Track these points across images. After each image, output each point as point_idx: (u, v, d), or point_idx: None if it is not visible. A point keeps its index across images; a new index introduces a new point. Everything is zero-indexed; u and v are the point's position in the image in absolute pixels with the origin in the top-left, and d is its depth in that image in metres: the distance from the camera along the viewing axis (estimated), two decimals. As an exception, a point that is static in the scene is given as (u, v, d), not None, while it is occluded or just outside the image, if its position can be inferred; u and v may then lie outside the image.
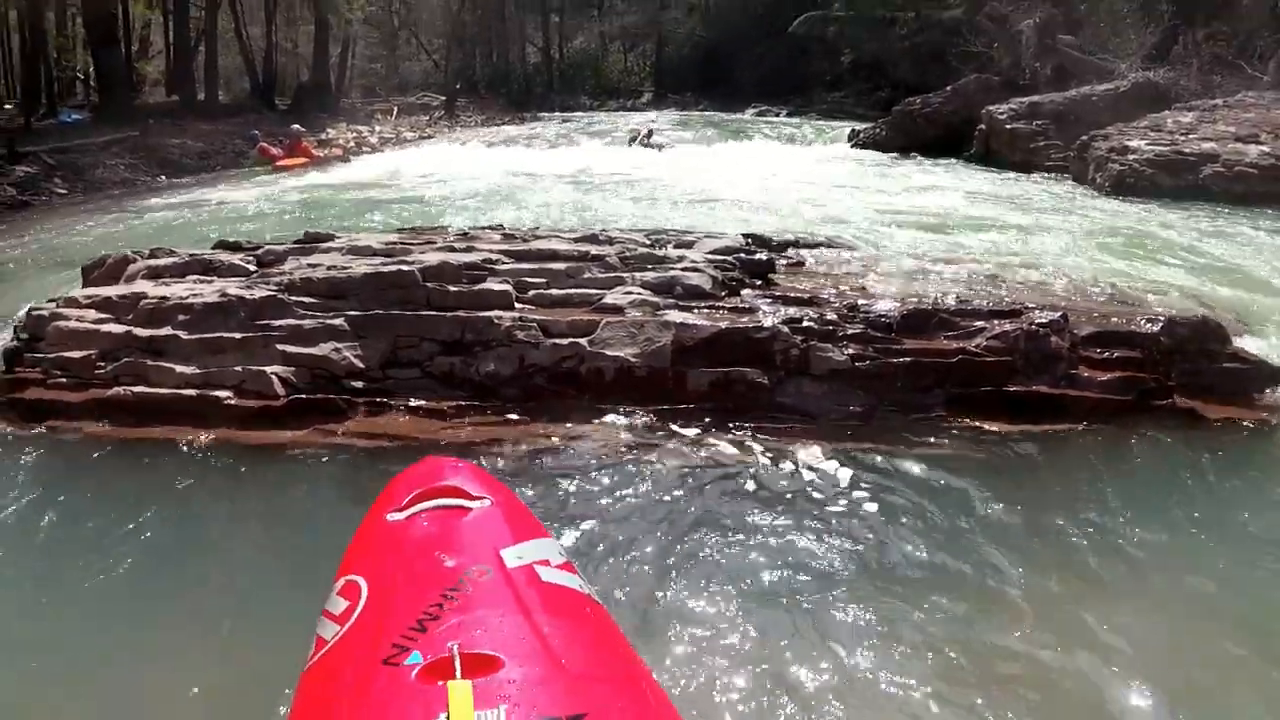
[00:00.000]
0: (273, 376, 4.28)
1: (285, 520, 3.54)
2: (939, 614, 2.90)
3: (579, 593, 2.09)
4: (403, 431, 4.06)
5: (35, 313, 4.90)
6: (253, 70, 29.41)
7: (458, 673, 1.61)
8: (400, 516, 2.34)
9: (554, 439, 4.00)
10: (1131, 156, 11.71)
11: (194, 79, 26.62)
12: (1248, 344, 4.80)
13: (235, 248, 5.61)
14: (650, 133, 20.42)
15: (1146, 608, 2.97)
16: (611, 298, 4.64)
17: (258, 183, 14.95)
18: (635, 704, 1.74)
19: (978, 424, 4.17)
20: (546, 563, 2.11)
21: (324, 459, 3.92)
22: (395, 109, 29.80)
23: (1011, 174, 13.95)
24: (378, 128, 24.83)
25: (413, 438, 4.00)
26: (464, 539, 2.18)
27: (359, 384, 4.33)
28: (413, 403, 4.26)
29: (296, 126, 19.02)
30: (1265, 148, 11.22)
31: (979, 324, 4.51)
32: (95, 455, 4.03)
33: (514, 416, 4.18)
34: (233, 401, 4.24)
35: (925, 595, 2.98)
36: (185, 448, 4.04)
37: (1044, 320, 4.46)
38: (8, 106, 26.93)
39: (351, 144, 21.05)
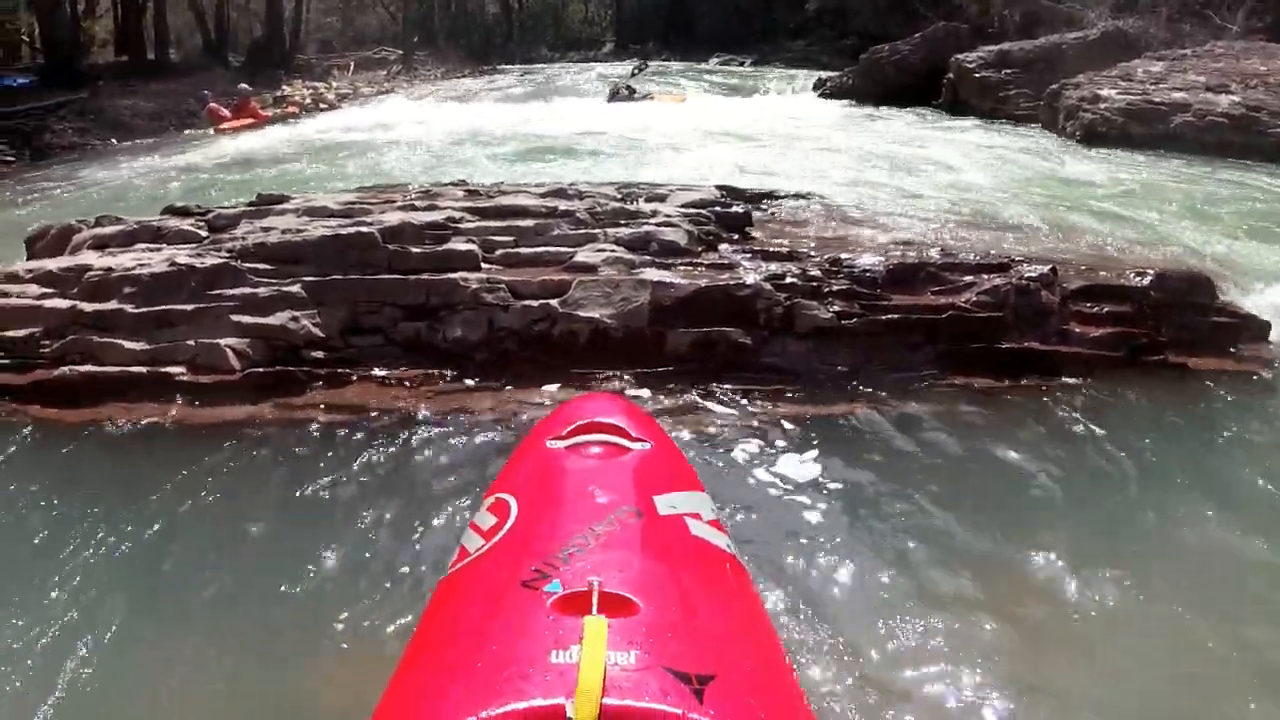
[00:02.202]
0: (227, 350, 4.04)
1: (243, 502, 3.30)
2: (924, 574, 2.80)
3: (725, 552, 2.04)
4: (365, 403, 3.84)
5: (-27, 291, 4.63)
6: (204, 27, 28.71)
7: (594, 608, 1.60)
8: (560, 445, 2.33)
9: (526, 406, 3.80)
10: (1103, 105, 11.62)
11: (144, 38, 25.99)
12: (1232, 296, 4.69)
13: (185, 213, 5.34)
14: (631, 89, 19.71)
15: (1137, 561, 2.89)
16: (583, 255, 4.41)
17: (209, 144, 14.56)
18: (765, 674, 1.69)
19: (967, 381, 4.03)
20: (698, 516, 2.08)
21: (284, 435, 3.69)
22: (352, 64, 29.15)
23: (981, 122, 13.82)
24: (334, 84, 24.26)
25: (376, 409, 3.79)
26: (619, 478, 2.16)
27: (319, 354, 4.10)
28: (376, 372, 4.04)
29: (244, 86, 18.47)
30: (1235, 97, 11.13)
31: (967, 278, 4.34)
32: (43, 440, 3.78)
33: (483, 383, 3.97)
34: (186, 378, 4.00)
35: (910, 555, 2.90)
36: (137, 429, 3.80)
37: (1033, 274, 4.31)
38: (-50, 71, 26.15)
39: (308, 101, 20.52)
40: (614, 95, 19.02)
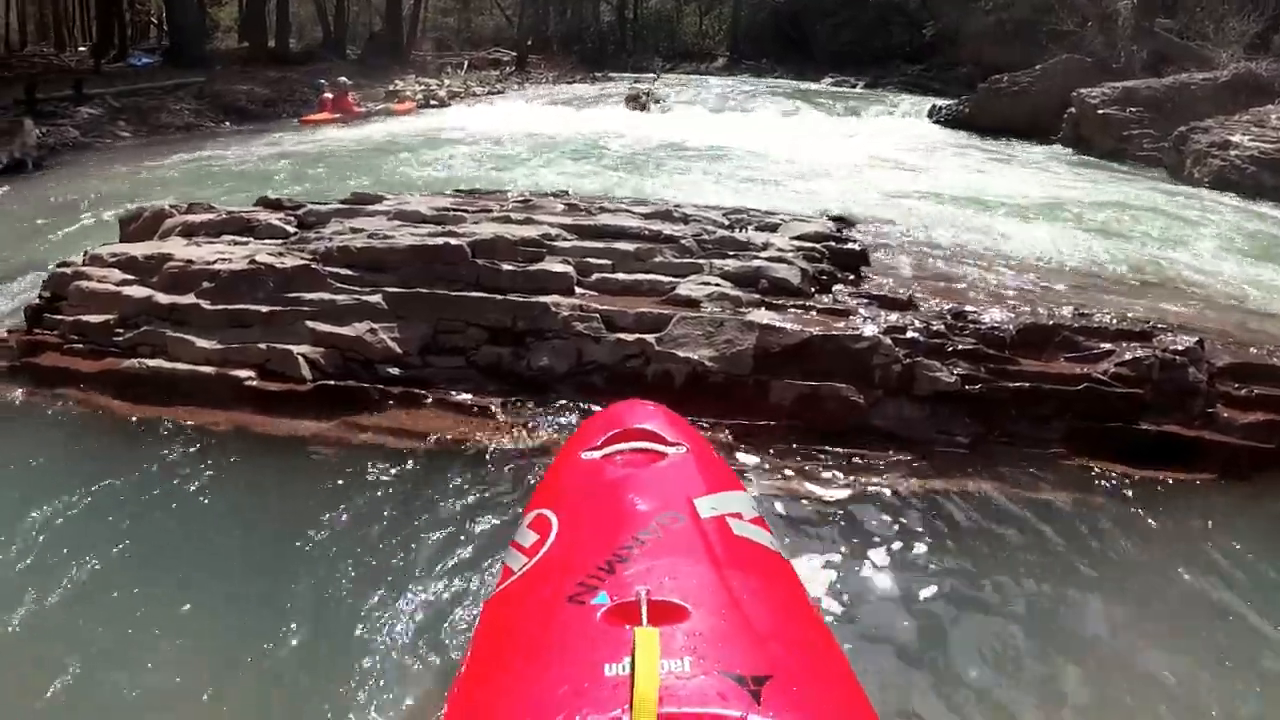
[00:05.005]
0: (300, 357, 3.81)
1: (296, 524, 3.04)
2: (1019, 676, 2.48)
3: (769, 549, 2.03)
4: (439, 431, 3.55)
5: (58, 270, 4.53)
6: (325, 19, 29.29)
7: (644, 618, 1.60)
8: (594, 455, 2.32)
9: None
10: (1233, 152, 10.98)
11: (265, 26, 26.60)
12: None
13: (277, 205, 5.17)
14: (649, 92, 18.37)
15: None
16: (685, 288, 4.06)
17: (318, 133, 14.63)
18: (820, 670, 1.68)
19: (1098, 464, 3.54)
20: (739, 516, 2.07)
21: (347, 458, 3.43)
22: (466, 63, 29.30)
23: (1102, 161, 13.19)
24: (447, 81, 24.33)
25: (450, 438, 3.51)
26: (657, 484, 2.15)
27: (394, 370, 3.85)
28: (451, 395, 3.76)
29: (343, 79, 18.39)
30: (1379, 150, 10.37)
31: (1105, 345, 3.85)
32: (103, 432, 3.65)
33: (565, 420, 3.64)
34: (254, 383, 3.79)
35: (1008, 654, 2.56)
36: (199, 432, 3.61)
37: (1179, 347, 3.79)
38: (81, 49, 27.16)
39: (419, 97, 20.60)
40: (633, 102, 17.96)
